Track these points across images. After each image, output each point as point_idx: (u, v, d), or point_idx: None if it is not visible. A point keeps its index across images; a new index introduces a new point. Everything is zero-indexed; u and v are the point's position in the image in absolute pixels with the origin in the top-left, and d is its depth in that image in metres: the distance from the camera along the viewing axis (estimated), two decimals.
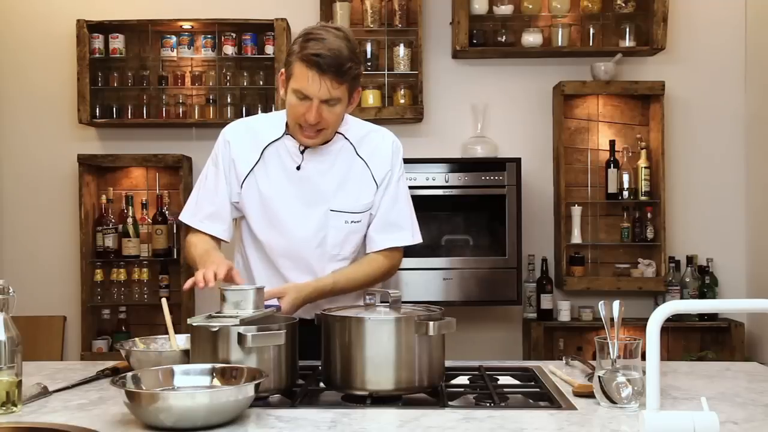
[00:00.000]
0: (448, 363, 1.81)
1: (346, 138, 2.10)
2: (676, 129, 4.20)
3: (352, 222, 2.09)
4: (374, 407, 1.61)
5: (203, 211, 2.12)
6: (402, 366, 1.64)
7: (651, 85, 4.02)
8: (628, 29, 4.11)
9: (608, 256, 4.18)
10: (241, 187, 2.10)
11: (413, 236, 2.16)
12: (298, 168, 2.06)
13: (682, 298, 4.01)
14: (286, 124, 2.07)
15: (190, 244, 2.13)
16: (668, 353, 4.00)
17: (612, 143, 4.07)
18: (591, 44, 4.11)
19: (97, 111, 4.11)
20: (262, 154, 2.08)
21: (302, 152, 2.07)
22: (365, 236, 2.14)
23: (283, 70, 2.00)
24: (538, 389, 1.77)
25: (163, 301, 1.97)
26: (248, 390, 1.47)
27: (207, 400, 1.43)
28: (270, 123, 2.11)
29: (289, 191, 2.07)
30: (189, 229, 2.17)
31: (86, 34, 4.04)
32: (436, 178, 3.84)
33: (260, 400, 1.62)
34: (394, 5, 4.06)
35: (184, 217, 2.16)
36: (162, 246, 4.05)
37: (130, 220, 4.05)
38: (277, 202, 2.07)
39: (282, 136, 2.08)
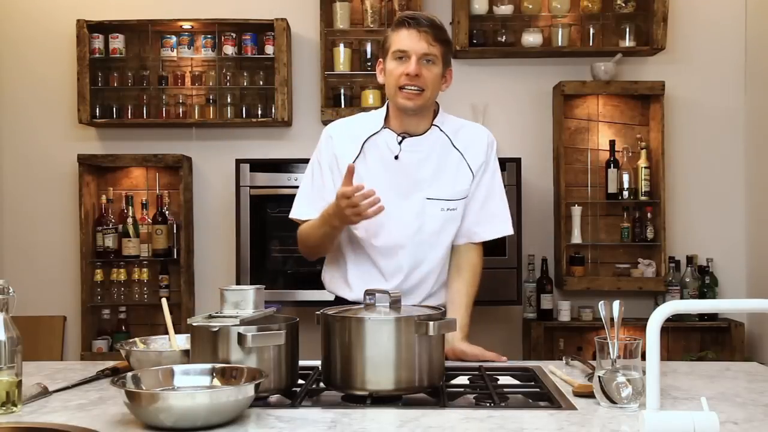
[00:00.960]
0: (448, 363, 1.81)
1: (442, 130, 2.17)
2: (676, 129, 4.20)
3: (448, 210, 2.15)
4: (374, 407, 1.61)
5: (315, 205, 2.17)
6: (402, 366, 1.64)
7: (651, 85, 4.02)
8: (628, 29, 4.11)
9: (608, 256, 4.18)
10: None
11: (510, 228, 2.25)
12: (396, 157, 2.13)
13: (682, 298, 4.01)
14: (385, 118, 2.17)
15: (302, 232, 2.18)
16: (668, 353, 4.00)
17: (612, 143, 4.07)
18: (591, 44, 4.11)
19: (97, 111, 4.11)
20: (362, 147, 2.16)
21: (400, 143, 2.14)
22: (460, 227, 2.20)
23: (380, 59, 2.14)
24: (538, 389, 1.77)
25: (163, 301, 1.97)
26: (248, 390, 1.47)
27: (207, 400, 1.43)
28: (369, 119, 2.21)
29: (388, 181, 2.12)
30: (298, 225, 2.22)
31: (86, 34, 4.04)
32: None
33: (260, 400, 1.62)
34: (394, 5, 4.06)
35: (298, 214, 2.21)
36: (162, 246, 4.05)
37: (130, 220, 4.05)
38: (380, 191, 2.07)
39: (381, 129, 2.16)
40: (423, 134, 2.16)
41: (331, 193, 2.12)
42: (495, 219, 2.21)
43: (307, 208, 2.19)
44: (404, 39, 2.04)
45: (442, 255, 2.19)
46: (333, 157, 2.18)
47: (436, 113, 2.21)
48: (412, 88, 2.06)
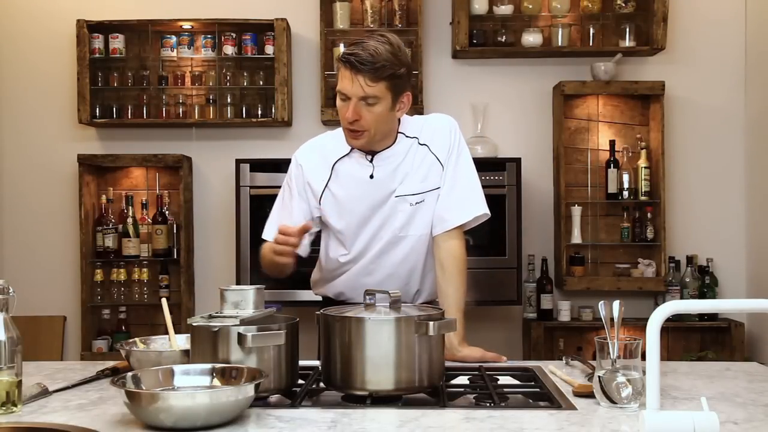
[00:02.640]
0: (448, 363, 1.81)
1: (407, 136, 2.18)
2: (676, 129, 4.20)
3: (416, 203, 2.17)
4: (374, 407, 1.61)
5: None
6: (402, 366, 1.64)
7: (651, 85, 4.02)
8: (628, 29, 4.11)
9: (608, 256, 4.18)
10: (320, 202, 2.20)
11: (483, 208, 2.21)
12: (372, 176, 2.16)
13: (682, 298, 4.01)
14: None
15: (262, 253, 2.21)
16: (668, 353, 4.00)
17: (612, 143, 4.07)
18: (591, 44, 4.11)
19: (97, 111, 4.11)
20: (333, 169, 2.18)
21: (371, 161, 2.16)
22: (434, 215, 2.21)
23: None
24: (538, 389, 1.77)
25: (163, 301, 1.97)
26: (248, 390, 1.47)
27: (207, 400, 1.43)
28: (336, 139, 2.21)
29: (363, 197, 2.16)
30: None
31: (86, 34, 4.04)
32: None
33: (260, 400, 1.63)
34: (394, 5, 4.06)
35: (266, 235, 2.25)
36: (162, 246, 4.05)
37: (130, 220, 4.05)
38: (357, 210, 2.17)
39: (350, 151, 2.18)
40: (391, 146, 2.17)
41: (297, 218, 2.18)
42: (465, 202, 2.19)
43: (272, 230, 2.19)
44: (344, 80, 2.02)
45: (414, 246, 2.20)
46: (305, 185, 2.21)
47: (399, 122, 2.20)
48: (355, 130, 2.07)
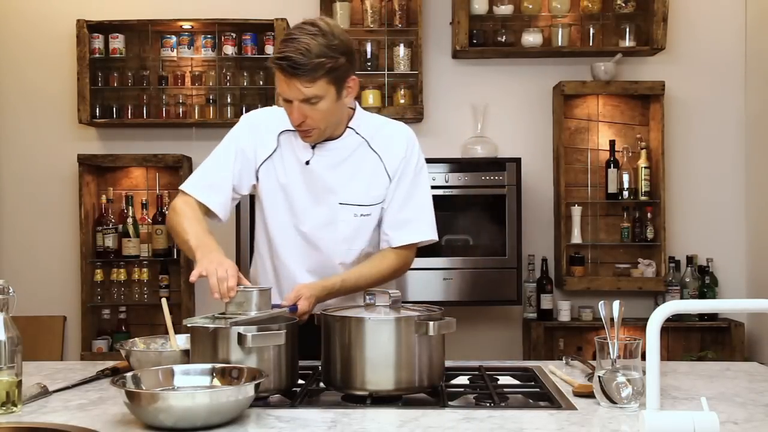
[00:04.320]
0: (448, 363, 1.81)
1: (358, 133, 2.09)
2: (676, 129, 4.20)
3: (362, 215, 2.08)
4: (374, 407, 1.61)
5: (205, 180, 2.11)
6: (402, 366, 1.64)
7: (651, 85, 4.02)
8: (628, 29, 4.11)
9: (608, 256, 4.18)
10: (258, 170, 2.10)
11: (429, 233, 2.12)
12: (307, 163, 2.06)
13: (682, 298, 4.01)
14: None
15: (176, 210, 2.06)
16: (668, 353, 4.00)
17: (612, 143, 4.07)
18: (591, 44, 4.11)
19: (97, 111, 4.11)
20: (278, 139, 2.09)
21: (313, 147, 2.07)
22: (380, 232, 2.13)
23: None
24: (538, 389, 1.77)
25: (163, 301, 1.97)
26: (248, 390, 1.47)
27: (207, 400, 1.43)
28: (286, 114, 2.10)
29: (302, 183, 2.07)
30: (179, 196, 2.12)
31: (86, 34, 4.04)
32: (436, 178, 3.84)
33: (260, 400, 1.63)
34: (394, 5, 4.06)
35: (185, 186, 2.11)
36: (162, 246, 4.05)
37: (130, 220, 4.05)
38: (291, 192, 2.08)
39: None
40: (337, 138, 2.07)
41: (227, 173, 2.07)
42: (411, 224, 2.09)
43: (196, 182, 2.10)
44: (282, 84, 1.91)
45: (355, 260, 2.11)
46: (251, 143, 2.08)
47: (353, 111, 2.11)
48: (304, 129, 1.98)
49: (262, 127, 2.11)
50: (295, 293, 1.92)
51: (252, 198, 3.83)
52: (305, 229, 2.08)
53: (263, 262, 2.18)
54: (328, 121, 1.99)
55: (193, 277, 1.82)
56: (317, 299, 1.96)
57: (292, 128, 2.04)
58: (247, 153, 2.09)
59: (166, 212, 4.04)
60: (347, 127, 2.08)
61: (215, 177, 2.10)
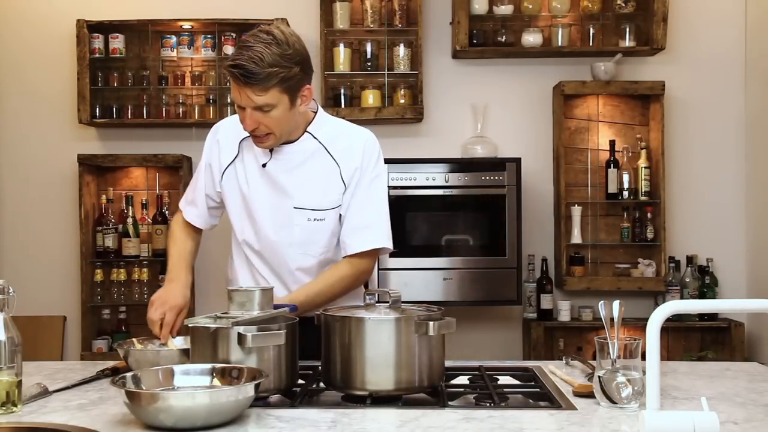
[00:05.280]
0: (448, 363, 1.81)
1: (315, 137, 2.10)
2: (676, 129, 4.20)
3: (315, 220, 2.08)
4: (374, 407, 1.61)
5: (187, 197, 2.28)
6: (402, 366, 1.64)
7: (651, 85, 4.02)
8: (628, 29, 4.11)
9: (608, 256, 4.18)
10: (222, 177, 2.16)
11: (384, 241, 2.11)
12: (264, 165, 2.10)
13: (682, 298, 4.01)
14: None
15: (170, 231, 2.32)
16: (668, 353, 4.00)
17: (612, 143, 4.07)
18: (591, 44, 4.11)
19: (97, 111, 4.11)
20: (240, 146, 2.14)
21: (271, 151, 2.09)
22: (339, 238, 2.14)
23: None
24: (538, 389, 1.77)
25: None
26: (248, 390, 1.47)
27: (207, 400, 1.43)
28: None
29: (260, 186, 2.11)
30: (177, 213, 2.34)
31: (86, 34, 4.04)
32: (436, 178, 3.84)
33: (260, 400, 1.63)
34: (394, 5, 4.06)
35: (182, 206, 2.30)
36: (162, 246, 4.04)
37: (130, 220, 4.05)
38: (251, 196, 2.12)
39: None
40: (293, 142, 2.08)
41: (200, 187, 2.21)
42: (366, 230, 2.08)
43: (183, 201, 2.29)
44: (234, 91, 1.93)
45: (313, 265, 2.12)
46: (215, 152, 2.17)
47: (315, 114, 2.12)
48: (258, 135, 2.00)
49: (224, 135, 2.18)
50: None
51: None
52: (262, 232, 2.11)
53: (232, 264, 2.25)
54: (281, 128, 2.00)
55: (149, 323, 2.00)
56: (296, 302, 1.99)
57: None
58: (212, 165, 2.19)
59: (167, 213, 4.08)
60: (305, 131, 2.10)
61: (192, 193, 2.25)
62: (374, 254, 2.13)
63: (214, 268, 4.19)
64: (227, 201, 2.17)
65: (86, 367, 2.02)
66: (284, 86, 1.92)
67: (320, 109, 2.15)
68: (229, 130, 2.17)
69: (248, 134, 2.05)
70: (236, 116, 2.13)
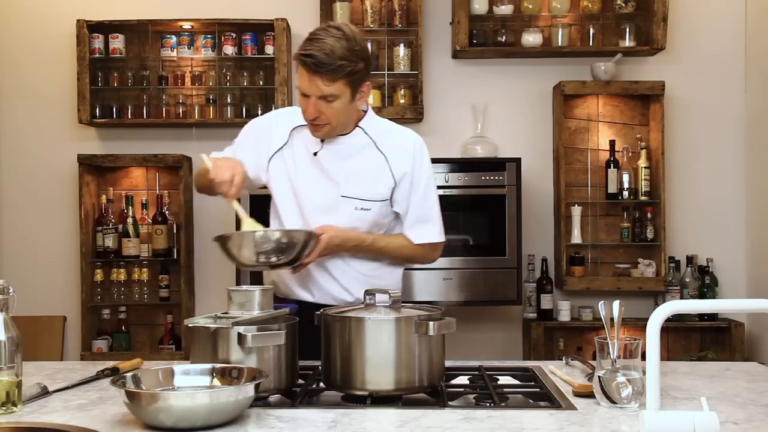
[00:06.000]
0: (448, 363, 1.81)
1: (366, 133, 2.19)
2: (676, 129, 4.20)
3: (362, 209, 2.16)
4: (374, 407, 1.61)
5: (224, 155, 2.25)
6: (402, 366, 1.64)
7: (651, 85, 4.02)
8: (628, 29, 4.11)
9: (608, 256, 4.18)
10: (269, 162, 2.22)
11: (440, 235, 2.26)
12: (315, 154, 2.17)
13: (682, 298, 4.01)
14: None
15: (198, 170, 2.29)
16: (668, 353, 4.00)
17: (612, 143, 4.07)
18: (591, 44, 4.11)
19: (97, 111, 4.11)
20: (290, 134, 2.21)
21: (322, 141, 2.17)
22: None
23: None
24: (538, 389, 1.77)
25: (234, 203, 2.08)
26: (248, 390, 1.47)
27: (207, 400, 1.43)
28: (298, 112, 2.22)
29: (308, 173, 2.18)
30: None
31: (86, 34, 4.04)
32: (436, 178, 3.83)
33: (260, 400, 1.63)
34: (394, 5, 4.06)
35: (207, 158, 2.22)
36: (162, 246, 4.05)
37: (130, 220, 4.04)
38: (299, 181, 2.18)
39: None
40: (345, 135, 2.17)
41: (242, 156, 2.22)
42: (427, 224, 2.23)
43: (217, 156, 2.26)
44: (303, 80, 2.04)
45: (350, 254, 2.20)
46: (266, 141, 2.22)
47: (364, 113, 2.22)
48: (317, 124, 2.09)
49: (276, 122, 2.25)
50: (321, 229, 2.06)
51: (251, 200, 3.86)
52: (307, 214, 2.17)
53: None
54: (339, 119, 2.10)
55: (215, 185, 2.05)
56: (340, 244, 2.09)
57: (304, 124, 2.15)
58: (261, 146, 2.23)
59: (167, 213, 4.08)
60: (357, 126, 2.19)
61: (232, 155, 2.24)
62: (432, 246, 2.26)
63: (214, 268, 4.19)
64: (273, 185, 2.23)
65: (86, 367, 2.02)
66: (349, 79, 2.03)
67: (370, 108, 2.25)
68: (281, 116, 2.27)
69: (299, 124, 2.17)
70: (287, 109, 2.31)
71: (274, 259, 1.94)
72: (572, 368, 1.99)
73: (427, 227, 2.23)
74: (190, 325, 1.69)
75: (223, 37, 4.09)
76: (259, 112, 4.12)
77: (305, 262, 2.02)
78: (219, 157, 2.19)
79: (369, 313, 1.72)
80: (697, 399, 1.65)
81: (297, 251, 1.96)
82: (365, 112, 2.22)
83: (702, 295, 4.04)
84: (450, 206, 3.90)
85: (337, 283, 2.19)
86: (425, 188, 2.22)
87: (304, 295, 2.20)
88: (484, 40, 4.12)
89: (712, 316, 4.03)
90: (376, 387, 1.64)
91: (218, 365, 1.61)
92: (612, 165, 4.05)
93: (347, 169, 2.16)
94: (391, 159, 2.18)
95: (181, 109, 4.14)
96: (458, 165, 3.90)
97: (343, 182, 2.16)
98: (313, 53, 1.98)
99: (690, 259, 4.10)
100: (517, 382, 1.89)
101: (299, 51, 2.02)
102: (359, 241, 2.14)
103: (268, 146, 2.23)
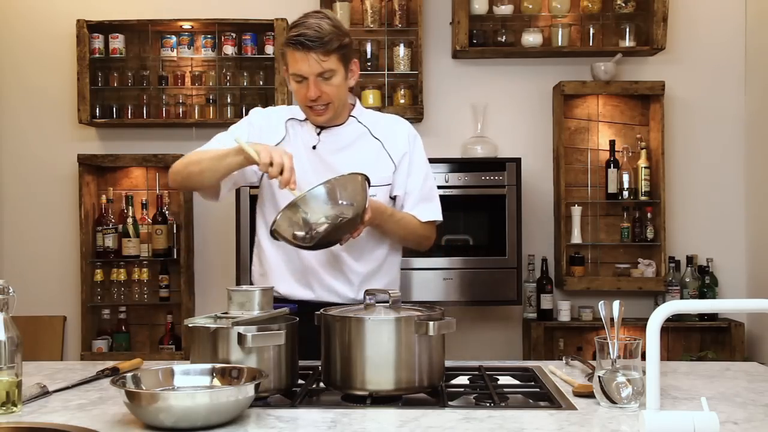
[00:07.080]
0: (448, 363, 1.81)
1: (360, 122, 2.23)
2: (676, 129, 4.20)
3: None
4: (374, 407, 1.61)
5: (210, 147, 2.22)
6: (402, 366, 1.64)
7: (651, 85, 4.02)
8: (628, 29, 4.11)
9: (608, 256, 4.18)
10: None
11: (439, 213, 2.28)
12: (314, 147, 2.19)
13: (682, 298, 4.01)
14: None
15: (194, 155, 2.21)
16: (668, 353, 4.00)
17: (612, 143, 4.07)
18: (591, 44, 4.11)
19: (97, 111, 4.11)
20: (286, 127, 2.22)
21: (318, 134, 2.19)
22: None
23: (285, 66, 2.16)
24: (538, 389, 1.77)
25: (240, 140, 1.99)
26: (248, 390, 1.47)
27: (207, 400, 1.43)
28: (294, 108, 2.27)
29: (308, 167, 2.17)
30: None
31: (86, 34, 4.04)
32: (436, 178, 3.81)
33: (260, 400, 1.63)
34: (394, 5, 4.06)
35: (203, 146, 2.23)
36: (162, 246, 4.05)
37: (130, 220, 4.05)
38: (300, 176, 2.11)
39: (305, 119, 2.22)
40: (341, 125, 2.21)
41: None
42: (429, 203, 2.26)
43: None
44: (298, 62, 2.06)
45: (360, 240, 2.15)
46: (268, 132, 2.20)
47: (353, 106, 2.25)
48: (318, 106, 2.11)
49: (269, 116, 2.26)
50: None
51: (251, 200, 3.85)
52: None
53: (267, 253, 2.23)
54: (340, 97, 2.13)
55: (264, 167, 1.94)
56: (375, 207, 2.06)
57: (299, 117, 2.20)
58: (263, 131, 2.19)
59: (167, 213, 4.08)
60: (350, 115, 2.22)
61: (246, 133, 2.19)
62: (433, 227, 2.29)
63: (214, 268, 4.19)
64: (274, 181, 2.18)
65: (86, 367, 2.02)
66: (341, 53, 2.08)
67: (357, 100, 2.29)
68: (276, 111, 2.29)
69: (293, 117, 2.20)
70: (280, 106, 2.34)
71: (347, 212, 1.90)
72: (572, 368, 1.99)
73: (431, 205, 2.26)
74: (190, 325, 1.69)
75: (223, 37, 4.09)
76: None
77: (365, 220, 1.99)
78: (233, 137, 2.11)
79: (369, 313, 1.72)
80: (697, 399, 1.65)
81: (362, 199, 1.94)
82: (353, 104, 2.26)
83: (702, 295, 4.04)
84: (450, 206, 3.86)
85: (341, 276, 2.17)
86: (425, 168, 2.26)
87: (305, 295, 2.20)
88: (484, 40, 4.12)
89: (712, 316, 4.03)
90: (376, 387, 1.64)
91: (218, 365, 1.61)
92: (612, 165, 4.05)
93: (347, 158, 2.17)
94: (387, 144, 2.22)
95: (181, 109, 4.14)
96: (458, 165, 3.90)
97: (345, 171, 2.14)
98: (303, 32, 2.03)
99: (690, 259, 4.10)
100: (517, 382, 1.89)
101: (288, 37, 2.06)
102: (384, 208, 2.14)
103: (268, 138, 2.22)
